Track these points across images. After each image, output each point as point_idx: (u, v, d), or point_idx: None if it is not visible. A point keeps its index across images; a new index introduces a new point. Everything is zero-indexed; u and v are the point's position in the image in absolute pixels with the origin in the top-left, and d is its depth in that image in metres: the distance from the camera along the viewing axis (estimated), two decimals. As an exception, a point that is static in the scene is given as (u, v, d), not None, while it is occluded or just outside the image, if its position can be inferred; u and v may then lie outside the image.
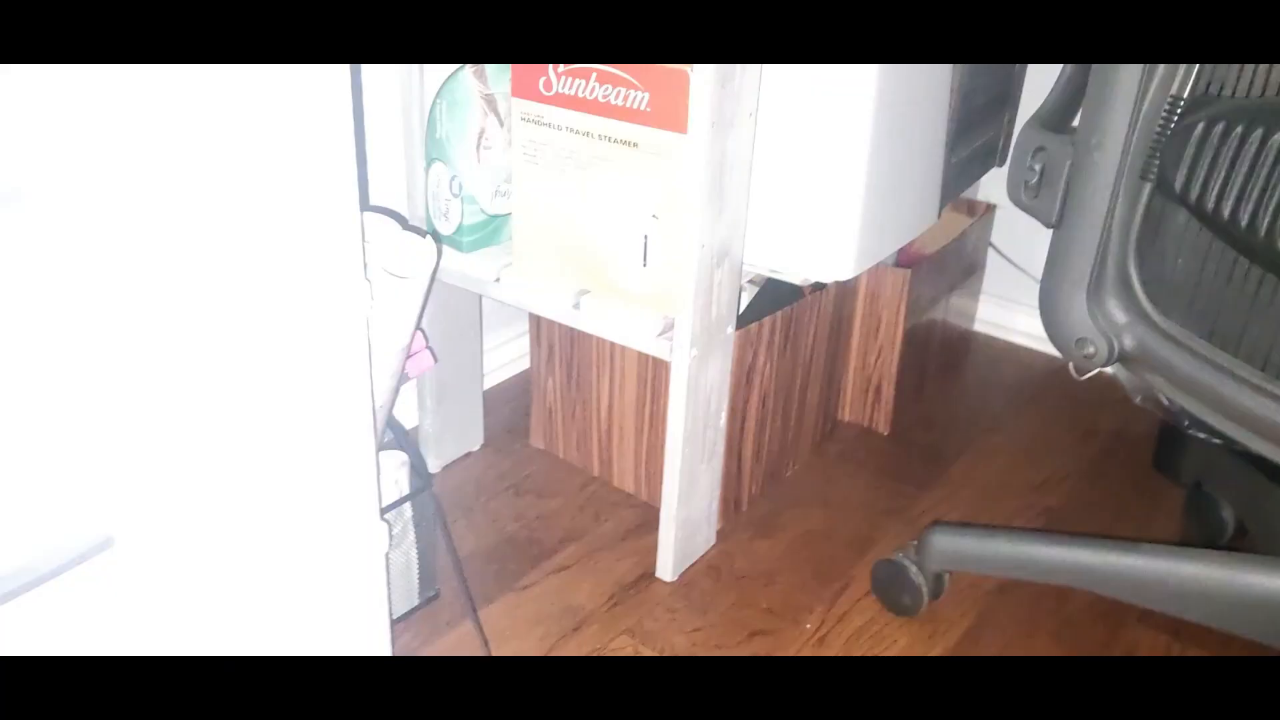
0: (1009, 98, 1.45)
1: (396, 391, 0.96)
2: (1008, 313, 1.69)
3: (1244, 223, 0.67)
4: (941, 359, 1.54)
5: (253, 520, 0.73)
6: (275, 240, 0.67)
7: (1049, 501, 1.31)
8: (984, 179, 1.58)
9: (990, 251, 1.64)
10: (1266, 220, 0.66)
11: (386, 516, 0.99)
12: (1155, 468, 1.36)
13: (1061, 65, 0.92)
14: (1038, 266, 1.35)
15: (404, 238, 0.83)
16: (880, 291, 1.35)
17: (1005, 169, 1.26)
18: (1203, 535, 1.23)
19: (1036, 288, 0.89)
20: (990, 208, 1.56)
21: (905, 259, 1.42)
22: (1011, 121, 1.47)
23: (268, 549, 0.75)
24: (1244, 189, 0.67)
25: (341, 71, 0.67)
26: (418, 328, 1.00)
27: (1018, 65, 1.42)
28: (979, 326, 1.71)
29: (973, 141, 1.35)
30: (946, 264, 1.45)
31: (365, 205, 1.18)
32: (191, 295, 0.63)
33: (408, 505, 1.01)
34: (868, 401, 1.42)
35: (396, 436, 1.05)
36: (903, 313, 1.35)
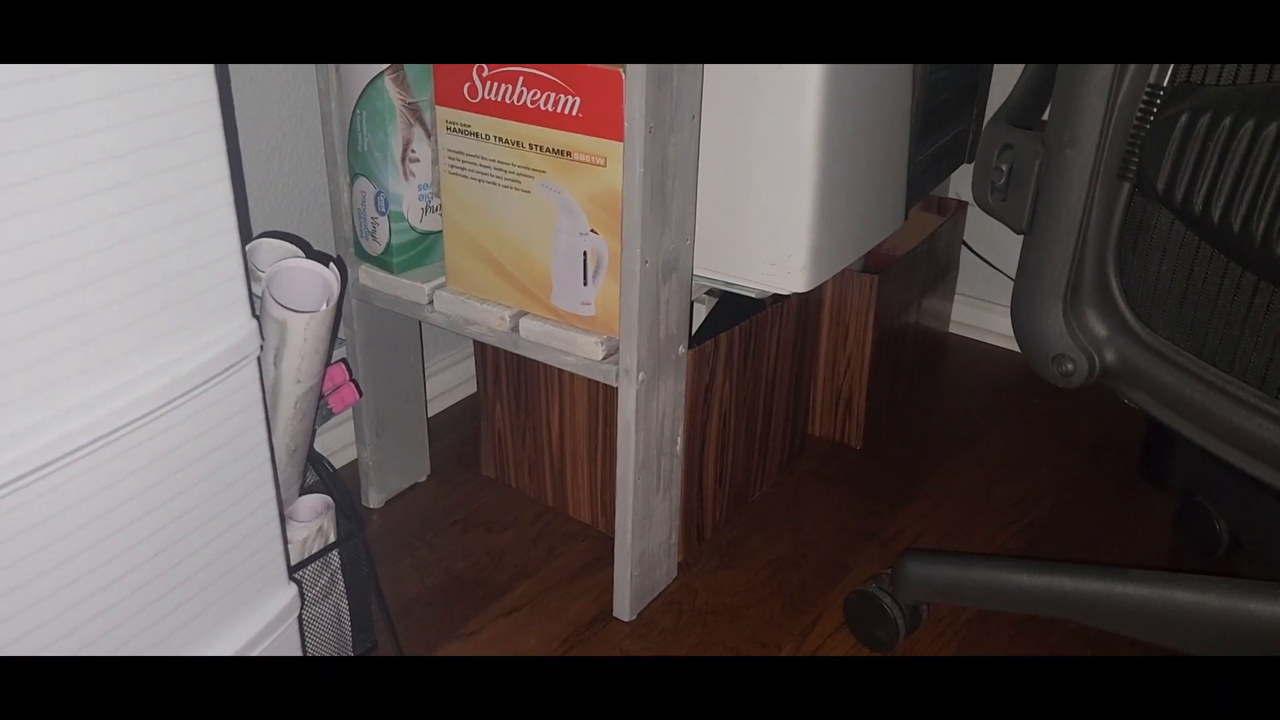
0: (977, 90, 1.37)
1: (312, 432, 0.88)
2: (984, 313, 1.61)
3: (1236, 226, 0.60)
4: (915, 365, 1.47)
5: (144, 590, 0.65)
6: (140, 280, 0.59)
7: (1031, 516, 1.23)
8: (955, 174, 1.51)
9: (963, 251, 1.56)
10: (1262, 223, 0.58)
11: (312, 567, 0.90)
12: (1143, 476, 1.29)
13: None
14: (1013, 265, 1.28)
15: (303, 266, 0.74)
16: (847, 298, 1.27)
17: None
18: (1195, 549, 1.16)
19: (1011, 287, 0.82)
20: (962, 205, 1.48)
21: (873, 262, 1.34)
22: (981, 115, 1.40)
23: (163, 619, 0.67)
24: (1235, 188, 0.59)
25: (206, 80, 0.59)
26: (335, 361, 0.91)
27: (985, 55, 1.35)
28: (954, 329, 1.63)
29: (940, 138, 1.27)
30: (917, 266, 1.38)
31: (249, 232, 1.09)
32: (39, 333, 0.55)
33: (335, 553, 0.92)
34: (838, 415, 1.34)
35: (322, 478, 0.96)
36: (872, 320, 1.27)
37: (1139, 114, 0.67)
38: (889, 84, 1.04)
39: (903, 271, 1.33)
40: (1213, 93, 0.62)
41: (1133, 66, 0.68)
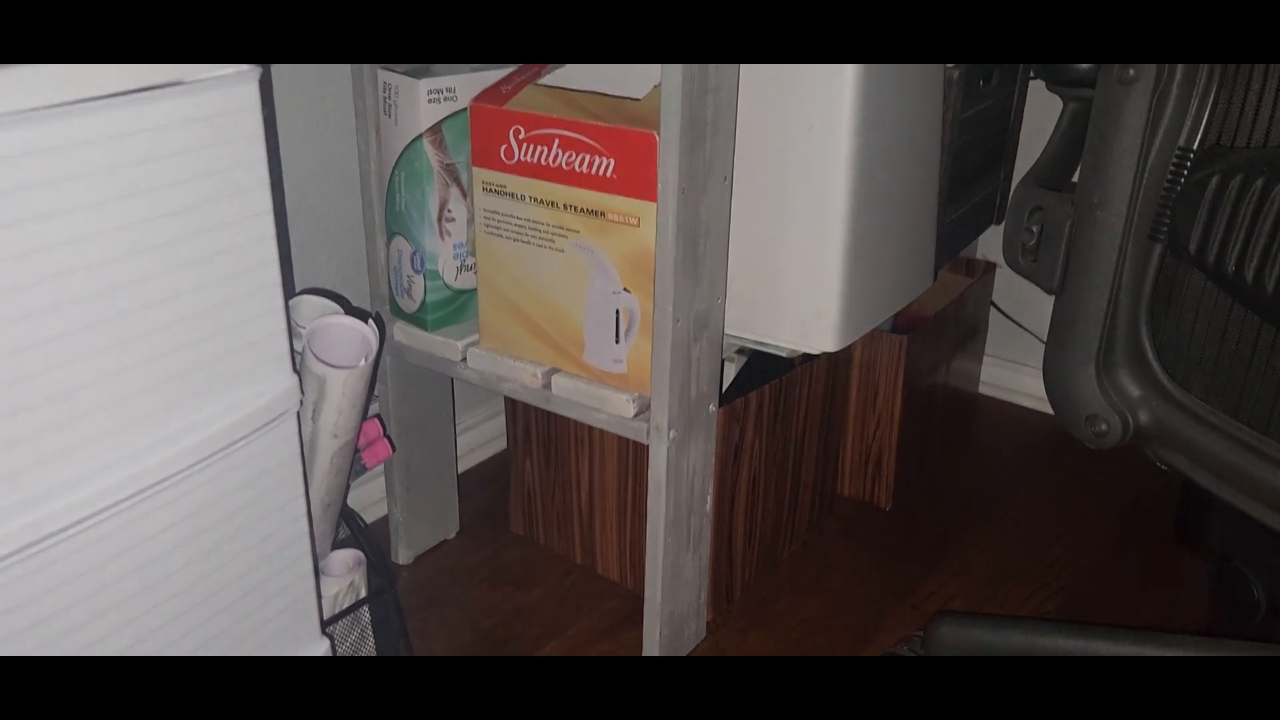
0: (1004, 152, 1.39)
1: (347, 487, 0.88)
2: (1013, 374, 1.61)
3: (1270, 288, 0.60)
4: (945, 426, 1.46)
5: (181, 642, 0.65)
6: (186, 336, 0.60)
7: (1065, 579, 1.21)
8: (983, 236, 1.51)
9: (992, 311, 1.56)
10: (1296, 286, 0.58)
11: (343, 622, 0.91)
12: (1178, 539, 1.27)
13: (1057, 118, 0.86)
14: (1042, 326, 1.28)
15: (342, 323, 0.76)
16: (876, 359, 1.27)
17: (1003, 226, 1.19)
18: (1233, 615, 1.14)
19: (1042, 348, 0.82)
20: (990, 266, 1.49)
21: (902, 323, 1.35)
22: (1008, 177, 1.41)
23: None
24: (1268, 250, 0.60)
25: (255, 139, 0.61)
26: (370, 416, 0.92)
27: (1012, 118, 1.36)
28: (984, 389, 1.63)
29: (968, 200, 1.28)
30: (946, 327, 1.38)
31: (290, 288, 1.11)
32: (86, 394, 0.56)
33: (365, 609, 0.92)
34: (867, 474, 1.34)
35: (354, 533, 0.97)
36: (901, 380, 1.27)
37: (1170, 176, 0.67)
38: (919, 147, 1.05)
39: (932, 332, 1.33)
40: (1243, 155, 0.63)
41: (1162, 129, 0.68)
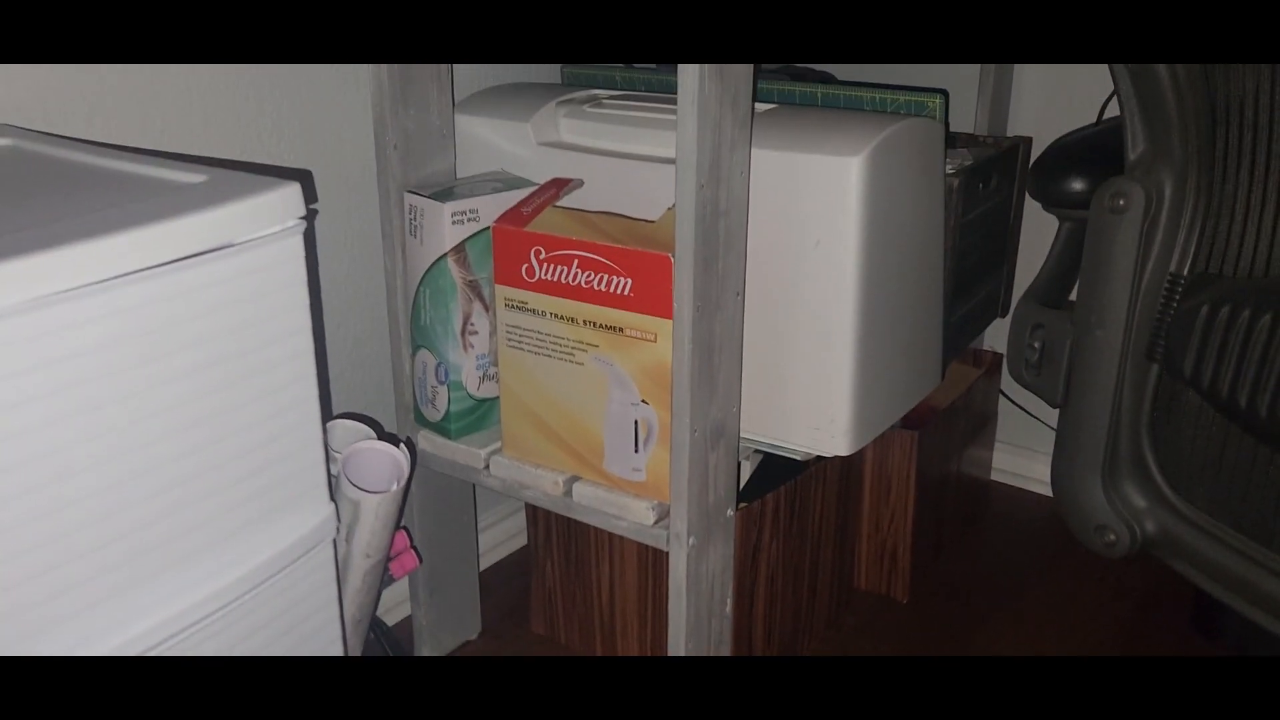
0: (1006, 249, 1.43)
1: (377, 601, 0.91)
2: (1025, 461, 1.63)
3: (1263, 412, 0.63)
4: (959, 515, 1.48)
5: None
6: (228, 476, 0.63)
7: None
8: (990, 326, 1.55)
9: (1001, 399, 1.59)
10: (1286, 411, 0.61)
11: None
12: (1195, 629, 1.28)
13: (1054, 235, 0.90)
14: (1052, 414, 1.30)
15: (376, 448, 0.79)
16: (888, 455, 1.30)
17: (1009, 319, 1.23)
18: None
19: (1052, 435, 0.84)
20: (997, 357, 1.52)
21: (913, 418, 1.37)
22: (1011, 273, 1.45)
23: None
24: (1259, 377, 0.63)
25: (299, 281, 0.65)
26: (399, 528, 0.95)
27: (1012, 216, 1.41)
28: (996, 476, 1.64)
29: (973, 297, 1.32)
30: (956, 419, 1.41)
31: (328, 414, 1.15)
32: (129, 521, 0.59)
33: None
34: (883, 569, 1.35)
35: (378, 636, 0.99)
36: (913, 474, 1.29)
37: (1162, 301, 0.71)
38: (922, 253, 1.09)
39: (942, 425, 1.36)
40: (1230, 284, 0.67)
41: (1154, 255, 0.72)
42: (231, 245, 0.59)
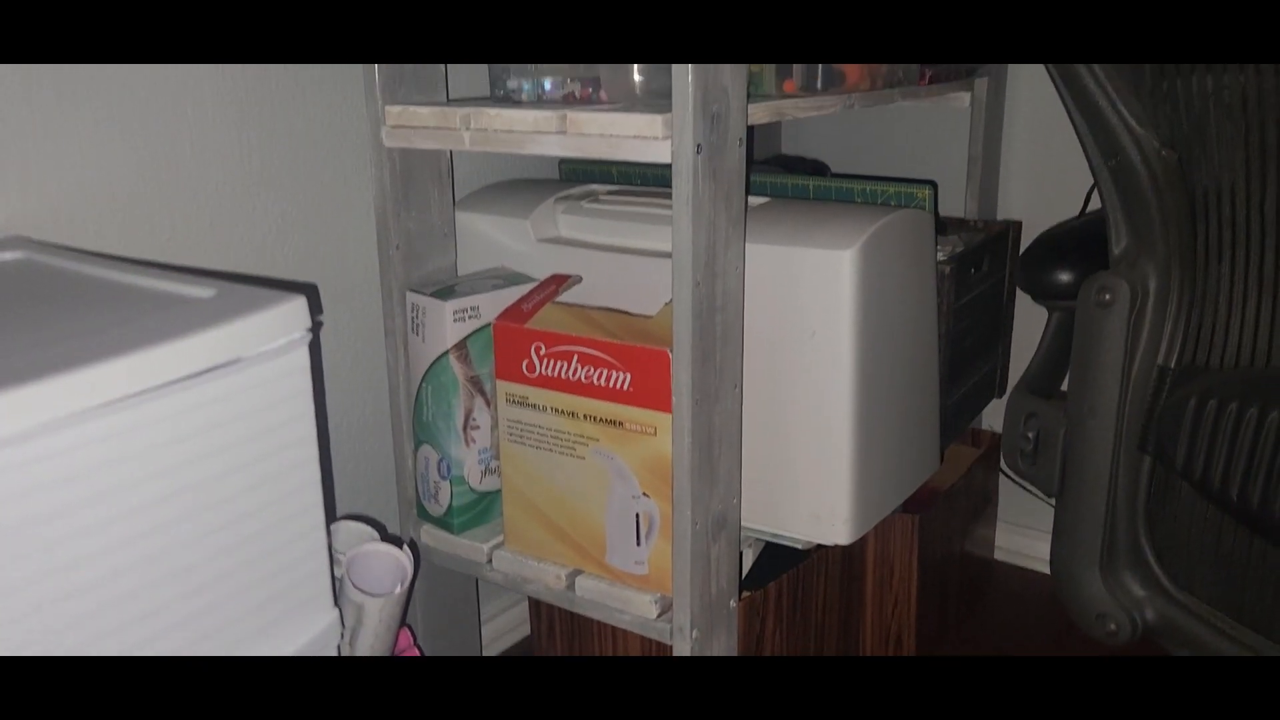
0: (1000, 330, 1.45)
1: (380, 702, 0.90)
2: (1028, 539, 1.62)
3: (1254, 504, 0.64)
4: (963, 597, 1.47)
5: None
6: (232, 587, 0.64)
7: (1095, 758, 1.20)
8: (989, 405, 1.56)
9: (1001, 478, 1.60)
10: (1278, 504, 0.62)
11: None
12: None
13: (1044, 325, 0.91)
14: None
15: (379, 550, 0.80)
16: (890, 538, 1.30)
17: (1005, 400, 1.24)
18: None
19: (1053, 512, 0.85)
20: (996, 436, 1.52)
21: (914, 502, 1.38)
22: (1006, 353, 1.46)
23: None
24: (1249, 469, 0.64)
25: (304, 390, 0.66)
26: (402, 626, 0.95)
27: (1005, 296, 1.43)
28: (999, 555, 1.64)
29: (969, 379, 1.33)
30: (957, 500, 1.41)
31: (332, 512, 1.15)
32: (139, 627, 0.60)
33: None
34: (888, 653, 1.34)
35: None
36: (915, 559, 1.29)
37: (1151, 393, 0.72)
38: (917, 340, 1.11)
39: (943, 508, 1.36)
40: (1217, 377, 0.68)
41: (1141, 347, 0.73)
42: (240, 360, 0.61)
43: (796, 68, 1.01)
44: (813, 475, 1.02)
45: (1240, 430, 0.65)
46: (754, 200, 1.08)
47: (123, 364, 0.55)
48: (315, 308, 1.09)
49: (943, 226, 1.29)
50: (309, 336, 0.65)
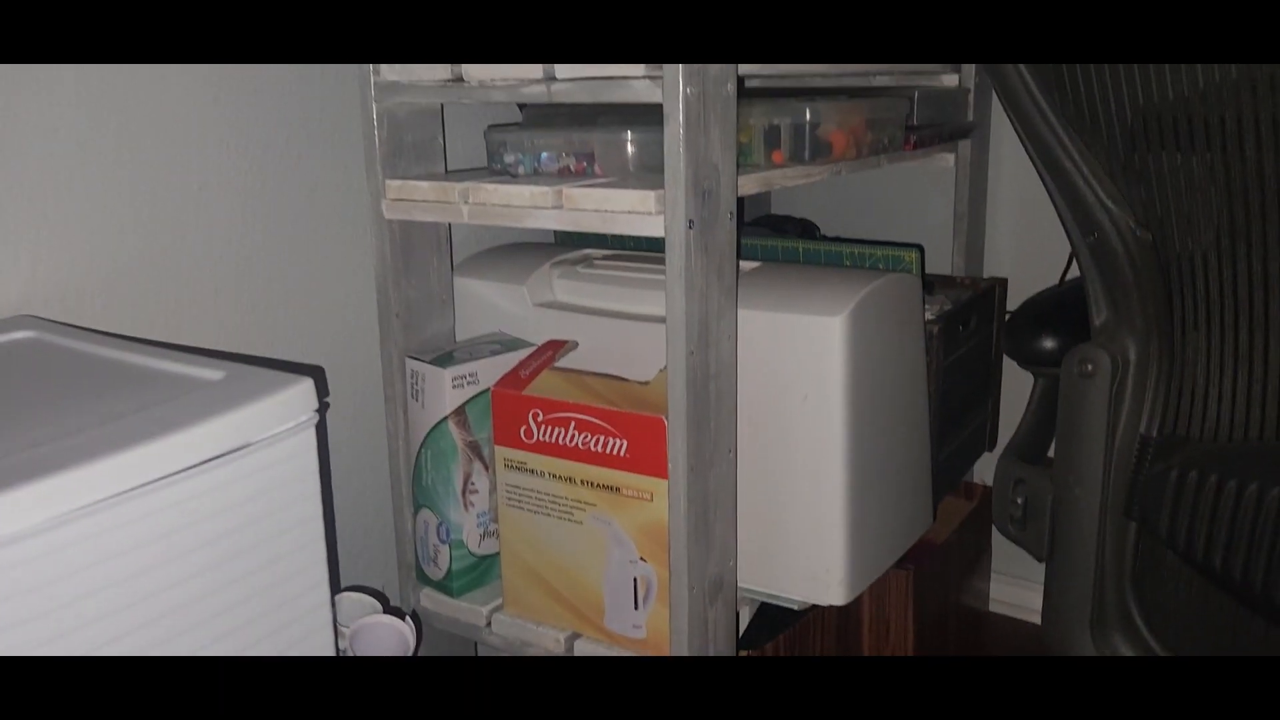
0: (990, 384, 1.47)
1: (382, 771, 0.91)
2: (1022, 591, 1.64)
3: (1238, 577, 0.65)
4: (960, 650, 1.48)
5: None
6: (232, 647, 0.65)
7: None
8: (981, 459, 1.58)
9: (994, 531, 1.61)
10: (1260, 575, 0.64)
11: None
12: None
13: (1031, 389, 0.93)
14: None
15: (382, 622, 0.81)
16: (886, 594, 1.31)
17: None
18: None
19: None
20: (988, 490, 1.54)
21: (908, 555, 1.39)
22: (996, 406, 1.49)
23: None
24: (1231, 541, 0.66)
25: (311, 472, 0.68)
26: (404, 696, 0.96)
27: (994, 352, 1.45)
28: (994, 607, 1.65)
29: (960, 435, 1.35)
30: (951, 554, 1.42)
31: (336, 584, 1.17)
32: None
33: None
34: (886, 709, 1.35)
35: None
36: (911, 614, 1.30)
37: (1134, 463, 0.74)
38: (908, 399, 1.13)
39: (938, 562, 1.37)
40: (1198, 449, 0.70)
41: (1124, 417, 0.76)
42: (249, 445, 0.63)
43: (784, 139, 1.04)
44: (808, 537, 1.04)
45: (1221, 501, 0.66)
46: (745, 265, 1.11)
47: (138, 453, 0.57)
48: (322, 389, 1.11)
49: (930, 285, 1.32)
50: (316, 418, 0.67)
